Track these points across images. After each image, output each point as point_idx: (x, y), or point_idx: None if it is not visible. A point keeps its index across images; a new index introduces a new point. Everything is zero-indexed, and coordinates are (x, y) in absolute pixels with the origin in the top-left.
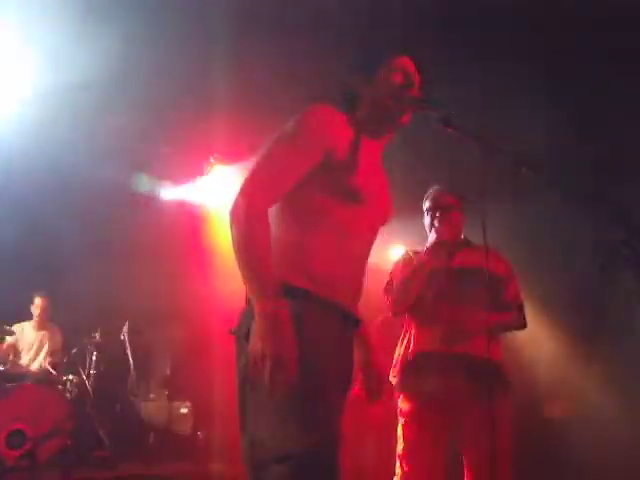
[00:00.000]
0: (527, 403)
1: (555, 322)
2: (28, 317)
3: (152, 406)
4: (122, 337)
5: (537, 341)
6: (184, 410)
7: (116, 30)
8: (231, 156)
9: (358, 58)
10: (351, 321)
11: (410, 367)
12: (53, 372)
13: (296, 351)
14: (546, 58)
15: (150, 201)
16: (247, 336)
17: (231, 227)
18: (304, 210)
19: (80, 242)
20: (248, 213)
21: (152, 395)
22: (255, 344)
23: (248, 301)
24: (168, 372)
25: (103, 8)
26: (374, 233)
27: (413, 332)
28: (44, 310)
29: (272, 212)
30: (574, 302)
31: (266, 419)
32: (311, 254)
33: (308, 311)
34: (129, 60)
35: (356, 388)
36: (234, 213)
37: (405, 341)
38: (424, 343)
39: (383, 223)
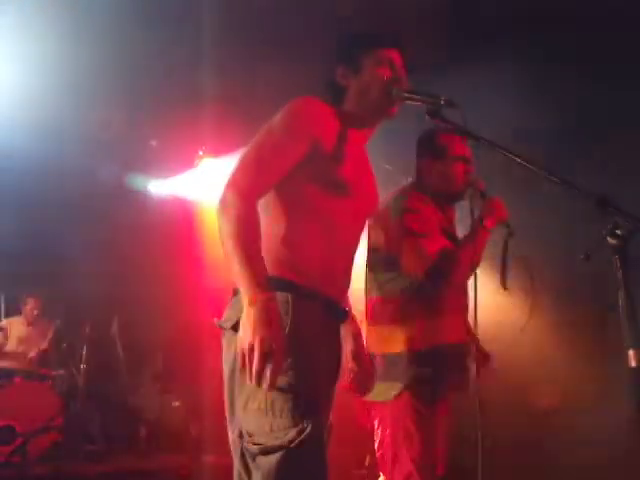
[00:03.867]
0: (511, 389)
1: (540, 307)
2: (18, 312)
3: (143, 400)
4: (112, 331)
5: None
6: (175, 403)
7: (103, 26)
8: (220, 148)
9: (343, 49)
10: (339, 313)
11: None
12: (42, 368)
13: (284, 343)
14: (545, 53)
15: (140, 195)
16: (236, 327)
17: (220, 219)
18: (291, 202)
19: (69, 237)
20: (237, 204)
21: (143, 389)
22: (243, 336)
23: (235, 292)
24: (159, 366)
25: (90, 4)
26: (361, 224)
27: (425, 322)
28: (34, 309)
29: (260, 204)
30: (558, 288)
31: (254, 410)
32: (298, 246)
33: (295, 303)
34: (117, 55)
35: (345, 381)
36: (223, 204)
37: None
38: (444, 334)
39: (370, 214)
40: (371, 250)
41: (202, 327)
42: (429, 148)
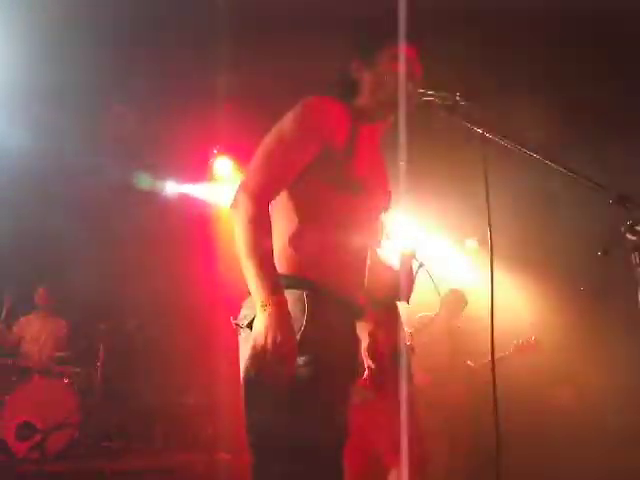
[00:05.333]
0: (531, 389)
1: (559, 307)
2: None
3: (159, 398)
4: (128, 329)
5: (540, 326)
6: (191, 401)
7: (120, 26)
8: (233, 149)
9: (357, 43)
10: (355, 310)
11: None
12: (59, 365)
13: (296, 345)
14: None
15: (154, 196)
16: (251, 325)
17: (233, 222)
18: (304, 201)
19: (86, 237)
20: (249, 208)
21: (158, 386)
22: (257, 339)
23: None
24: (174, 364)
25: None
26: (375, 220)
27: None
28: (47, 301)
29: (273, 204)
30: (578, 287)
31: (270, 409)
32: (312, 244)
33: (310, 300)
34: (131, 56)
35: (363, 379)
36: (235, 207)
37: None
38: None
39: (383, 210)
40: None
41: (217, 325)
42: None
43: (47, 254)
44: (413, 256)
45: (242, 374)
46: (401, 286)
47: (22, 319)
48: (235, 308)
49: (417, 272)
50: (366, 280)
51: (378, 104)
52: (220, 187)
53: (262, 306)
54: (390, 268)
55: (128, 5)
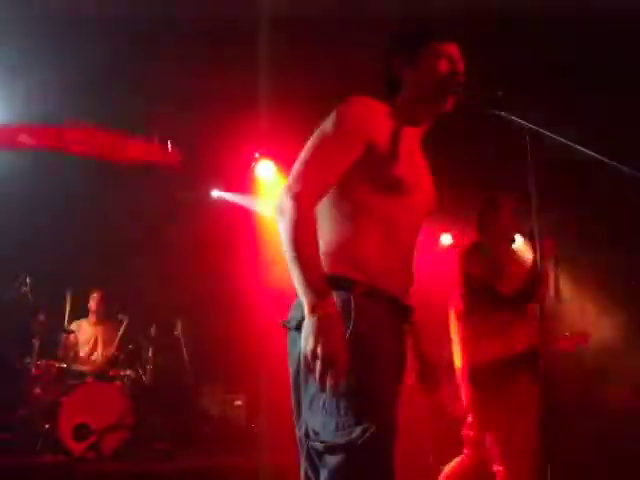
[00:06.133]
0: (585, 389)
1: (611, 303)
2: (85, 314)
3: (207, 399)
4: (176, 332)
5: (592, 322)
6: (238, 402)
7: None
8: (275, 152)
9: (401, 41)
10: (403, 310)
11: None
12: (111, 369)
13: (347, 350)
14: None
15: (200, 201)
16: (300, 327)
17: (278, 224)
18: (349, 202)
19: (133, 241)
20: (294, 211)
21: (206, 388)
22: (306, 343)
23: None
24: (222, 365)
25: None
26: (419, 221)
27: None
28: (99, 306)
29: (318, 206)
30: (630, 282)
31: (319, 410)
32: (358, 245)
33: (357, 301)
34: (169, 60)
35: (410, 378)
36: (280, 210)
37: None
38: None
39: (429, 211)
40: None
41: (265, 327)
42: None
43: (98, 258)
44: (551, 253)
45: (291, 374)
46: (539, 285)
47: (77, 323)
48: (282, 309)
49: (553, 269)
50: (503, 275)
51: (419, 103)
52: (263, 193)
53: (310, 311)
54: (523, 264)
55: (168, 8)
